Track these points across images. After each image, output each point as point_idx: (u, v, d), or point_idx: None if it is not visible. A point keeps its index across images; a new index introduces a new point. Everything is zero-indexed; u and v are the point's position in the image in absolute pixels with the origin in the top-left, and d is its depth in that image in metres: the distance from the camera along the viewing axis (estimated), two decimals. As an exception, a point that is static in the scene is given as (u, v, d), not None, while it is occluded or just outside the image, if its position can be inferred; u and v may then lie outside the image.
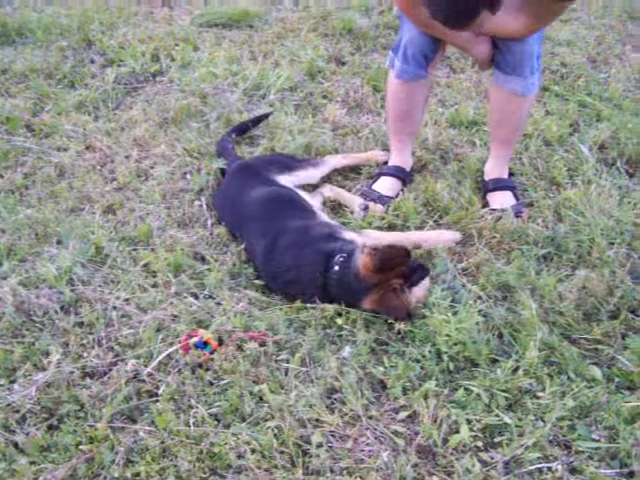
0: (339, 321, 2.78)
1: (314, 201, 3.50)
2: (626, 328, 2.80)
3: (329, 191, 3.71)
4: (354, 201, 3.62)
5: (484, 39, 3.26)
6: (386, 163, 3.87)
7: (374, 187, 3.75)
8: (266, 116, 4.36)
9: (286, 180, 3.55)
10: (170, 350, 2.63)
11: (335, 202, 3.67)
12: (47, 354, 2.63)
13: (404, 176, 3.80)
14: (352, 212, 3.54)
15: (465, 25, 2.81)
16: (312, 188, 3.71)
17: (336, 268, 2.86)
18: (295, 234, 3.10)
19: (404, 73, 3.48)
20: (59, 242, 3.27)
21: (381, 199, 3.64)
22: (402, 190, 3.72)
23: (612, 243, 3.20)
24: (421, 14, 2.84)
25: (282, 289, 3.05)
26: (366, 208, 3.55)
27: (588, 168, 3.80)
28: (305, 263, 2.97)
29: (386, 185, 3.75)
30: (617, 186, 3.66)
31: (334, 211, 3.61)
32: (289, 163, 3.70)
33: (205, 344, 2.65)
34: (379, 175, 3.82)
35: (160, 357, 2.61)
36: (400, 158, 3.83)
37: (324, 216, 3.35)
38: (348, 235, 3.09)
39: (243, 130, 4.21)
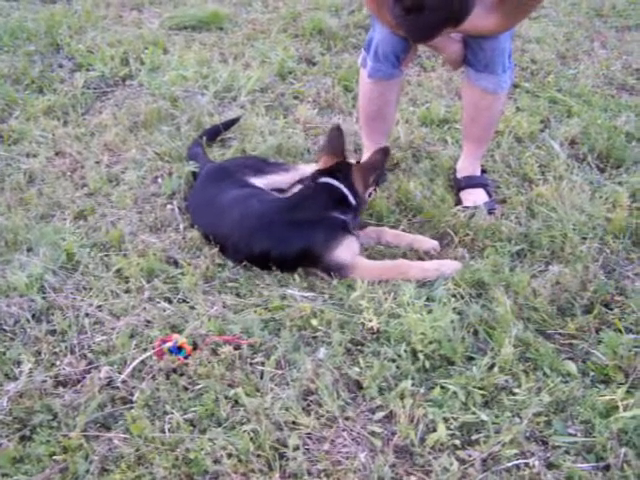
0: (314, 322, 2.77)
1: None
2: (600, 322, 2.81)
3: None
4: None
5: (455, 39, 3.28)
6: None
7: None
8: (236, 120, 4.34)
9: (259, 182, 3.53)
10: (144, 356, 2.61)
11: None
12: (18, 363, 2.60)
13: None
14: None
15: (427, 40, 2.84)
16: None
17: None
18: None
19: (376, 72, 3.48)
20: (29, 249, 3.22)
21: None
22: (375, 189, 3.72)
23: (584, 238, 3.21)
24: (388, 16, 2.85)
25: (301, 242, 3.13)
26: None
27: (559, 164, 3.82)
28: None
29: None
30: (588, 181, 3.69)
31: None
32: (262, 167, 3.68)
33: (179, 349, 2.62)
34: None
35: (134, 363, 2.58)
36: None
37: None
38: None
39: (214, 133, 4.19)
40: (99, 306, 2.91)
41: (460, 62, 3.38)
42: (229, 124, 4.29)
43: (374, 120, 3.74)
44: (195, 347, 2.67)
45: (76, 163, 3.99)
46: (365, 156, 3.83)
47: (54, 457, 2.25)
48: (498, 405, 2.43)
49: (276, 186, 3.61)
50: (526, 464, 2.22)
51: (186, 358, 2.60)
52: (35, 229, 3.33)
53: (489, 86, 3.34)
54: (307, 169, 3.80)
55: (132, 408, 2.42)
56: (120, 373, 2.56)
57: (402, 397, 2.42)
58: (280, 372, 2.56)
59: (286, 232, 3.13)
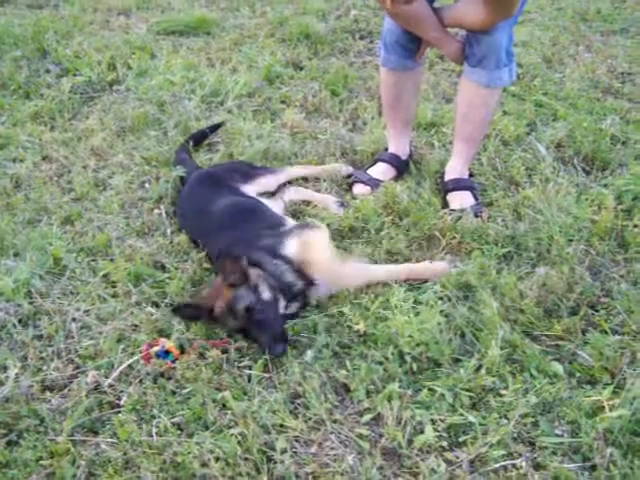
0: (298, 327, 2.79)
1: (277, 208, 3.50)
2: (586, 324, 2.81)
3: (294, 193, 3.73)
4: (328, 199, 3.68)
5: (456, 38, 3.38)
6: (350, 176, 3.93)
7: (368, 171, 3.88)
8: (219, 125, 4.36)
9: (249, 189, 3.54)
10: (131, 360, 2.61)
11: (298, 204, 3.69)
12: (5, 368, 2.60)
13: (398, 164, 3.90)
14: (325, 209, 3.61)
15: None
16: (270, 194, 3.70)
17: None
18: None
19: (387, 62, 3.62)
20: (16, 254, 3.22)
21: (370, 181, 3.79)
22: (395, 178, 3.85)
23: (571, 240, 3.22)
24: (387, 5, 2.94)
25: None
26: (342, 205, 3.63)
27: (546, 167, 3.84)
28: None
29: (379, 170, 3.88)
30: (574, 184, 3.70)
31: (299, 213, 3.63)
32: (248, 171, 3.69)
33: (167, 353, 2.62)
34: (376, 161, 3.94)
35: (121, 367, 2.58)
36: (395, 146, 3.93)
37: (290, 222, 3.30)
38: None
39: (201, 138, 4.20)
40: (86, 311, 2.90)
41: (461, 60, 3.45)
42: (213, 129, 4.30)
43: (393, 108, 3.82)
44: (182, 351, 2.67)
45: (63, 168, 3.99)
46: (389, 143, 3.95)
47: (41, 462, 2.25)
48: (485, 407, 2.43)
49: (265, 190, 3.65)
50: (513, 465, 2.22)
51: (174, 362, 2.60)
52: (22, 234, 3.33)
53: (482, 80, 3.37)
54: (293, 171, 3.83)
55: (119, 412, 2.42)
56: (107, 377, 2.56)
57: (390, 399, 2.42)
58: (267, 375, 2.57)
59: None
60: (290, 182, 3.82)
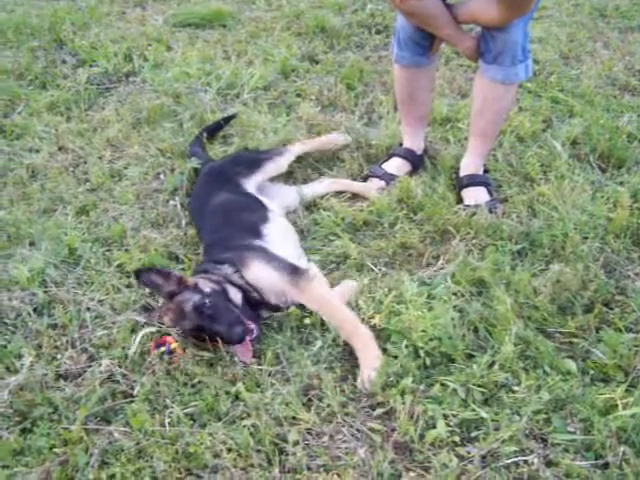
0: (307, 321, 2.78)
1: (286, 200, 3.54)
2: (600, 321, 2.80)
3: (332, 184, 3.75)
4: (367, 187, 3.72)
5: (471, 35, 3.36)
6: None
7: (383, 166, 3.88)
8: (232, 117, 4.37)
9: (254, 182, 3.54)
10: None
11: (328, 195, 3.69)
12: (20, 357, 2.62)
13: (413, 159, 3.89)
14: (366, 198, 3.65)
15: None
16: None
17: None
18: None
19: (401, 59, 3.60)
20: (32, 244, 3.25)
21: (385, 176, 3.79)
22: (410, 173, 3.83)
23: (586, 237, 3.20)
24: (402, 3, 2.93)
25: None
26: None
27: (561, 163, 3.81)
28: None
29: (394, 165, 3.87)
30: (590, 181, 3.68)
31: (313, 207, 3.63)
32: (255, 158, 3.69)
33: (172, 352, 2.63)
34: (390, 156, 3.94)
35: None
36: (410, 141, 3.93)
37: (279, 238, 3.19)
38: None
39: (215, 129, 4.22)
40: (100, 300, 2.93)
41: (476, 56, 3.43)
42: (226, 120, 4.32)
43: (407, 105, 3.82)
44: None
45: (79, 158, 4.01)
46: (404, 139, 3.94)
47: (54, 450, 2.27)
48: (498, 402, 2.43)
49: (277, 173, 3.69)
50: (525, 461, 2.22)
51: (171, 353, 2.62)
52: (37, 223, 3.35)
53: (497, 77, 3.35)
54: (296, 148, 3.86)
55: (132, 402, 2.44)
56: (120, 367, 2.57)
57: (402, 394, 2.42)
58: (280, 368, 2.57)
59: None
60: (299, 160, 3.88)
